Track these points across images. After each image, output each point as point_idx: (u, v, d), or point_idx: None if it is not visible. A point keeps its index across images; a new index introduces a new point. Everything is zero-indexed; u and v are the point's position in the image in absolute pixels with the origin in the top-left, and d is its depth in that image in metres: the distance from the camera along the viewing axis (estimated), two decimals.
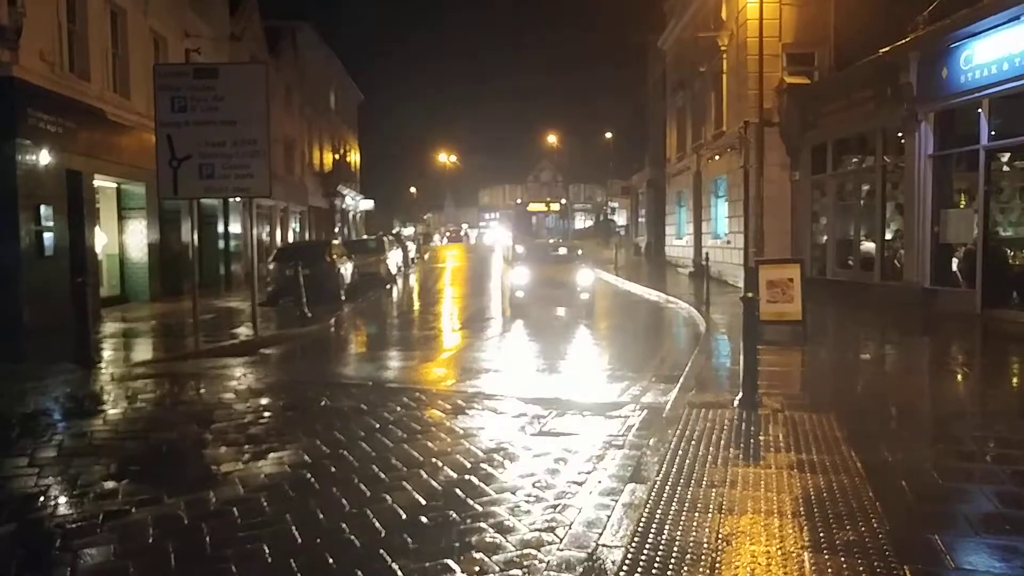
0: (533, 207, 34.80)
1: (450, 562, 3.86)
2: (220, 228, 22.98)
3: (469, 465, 5.40)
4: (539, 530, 4.23)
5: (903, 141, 14.24)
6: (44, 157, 13.16)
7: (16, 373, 9.03)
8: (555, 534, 4.15)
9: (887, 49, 13.86)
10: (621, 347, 11.81)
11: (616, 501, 4.46)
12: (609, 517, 4.23)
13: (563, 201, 36.39)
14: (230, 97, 11.46)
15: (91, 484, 5.15)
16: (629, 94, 43.21)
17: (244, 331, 12.79)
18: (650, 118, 37.39)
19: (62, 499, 4.92)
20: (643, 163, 40.08)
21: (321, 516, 4.50)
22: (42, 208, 13.16)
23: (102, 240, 16.54)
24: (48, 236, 13.33)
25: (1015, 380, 8.58)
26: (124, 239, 17.77)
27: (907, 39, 13.39)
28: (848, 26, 17.41)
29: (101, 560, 4.01)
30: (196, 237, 14.01)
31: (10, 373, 9.04)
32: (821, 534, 3.92)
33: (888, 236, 15.40)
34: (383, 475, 5.23)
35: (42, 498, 4.91)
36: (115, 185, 17.19)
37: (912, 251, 13.89)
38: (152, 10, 17.99)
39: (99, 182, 15.99)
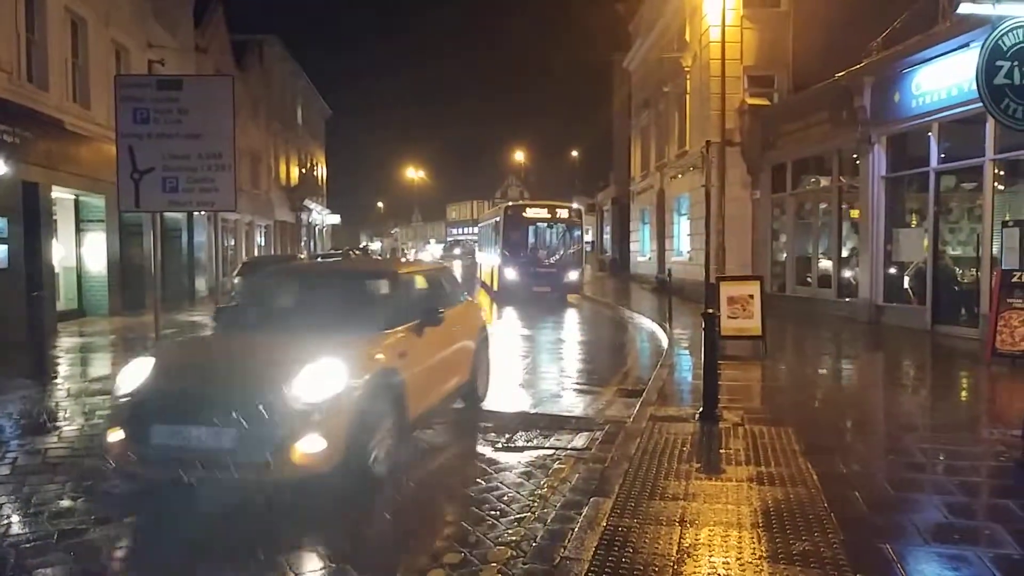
0: (532, 213, 23.69)
1: None
2: (184, 241, 22.61)
3: (434, 480, 5.41)
4: (504, 544, 4.27)
5: (858, 162, 14.70)
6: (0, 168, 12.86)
7: None
8: (519, 548, 4.19)
9: (842, 73, 14.34)
10: (586, 361, 11.90)
11: (580, 514, 4.51)
12: (573, 530, 4.28)
13: (574, 206, 25.60)
14: (195, 110, 11.30)
15: (46, 503, 5.03)
16: (595, 113, 43.89)
17: None
18: (615, 137, 37.96)
19: (15, 518, 4.80)
20: (608, 181, 40.64)
21: (287, 530, 4.47)
22: None
23: (60, 253, 16.17)
24: (3, 248, 13.02)
25: (963, 394, 8.88)
26: (82, 252, 17.38)
27: (861, 64, 13.88)
28: (806, 50, 17.97)
29: None
30: (159, 250, 13.78)
31: None
32: (779, 545, 4.02)
33: (844, 254, 15.83)
34: (348, 490, 5.21)
35: None
36: (74, 196, 16.84)
37: (866, 269, 14.30)
38: (114, 20, 17.75)
39: (57, 193, 15.65)
